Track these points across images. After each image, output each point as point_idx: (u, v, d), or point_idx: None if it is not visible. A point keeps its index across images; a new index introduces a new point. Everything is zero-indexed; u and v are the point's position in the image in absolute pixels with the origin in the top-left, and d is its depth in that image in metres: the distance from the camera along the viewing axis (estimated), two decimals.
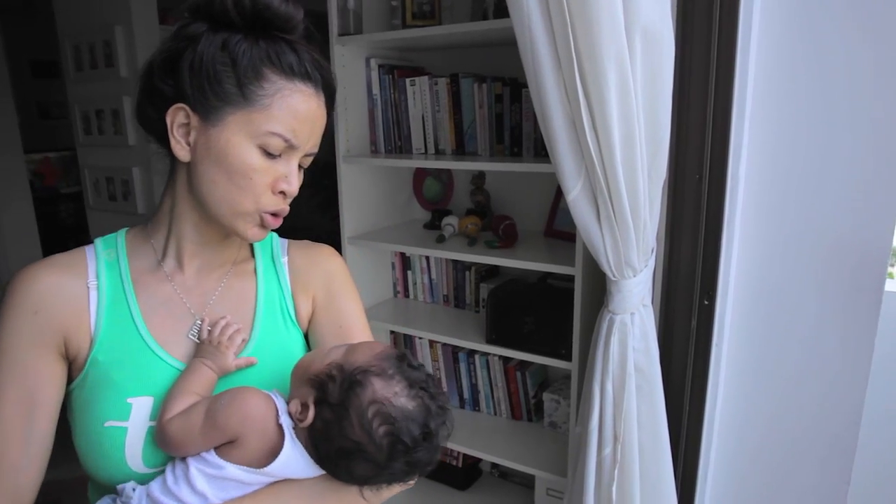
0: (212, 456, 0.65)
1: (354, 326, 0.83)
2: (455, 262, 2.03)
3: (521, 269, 1.68)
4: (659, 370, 1.33)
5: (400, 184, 2.14)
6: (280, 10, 0.68)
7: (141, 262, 0.77)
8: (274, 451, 0.65)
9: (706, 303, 1.42)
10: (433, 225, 2.01)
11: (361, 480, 0.67)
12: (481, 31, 1.59)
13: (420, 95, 1.88)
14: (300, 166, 0.74)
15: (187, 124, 0.70)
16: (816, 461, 1.47)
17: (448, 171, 2.11)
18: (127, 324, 0.72)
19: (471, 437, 1.91)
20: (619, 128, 1.05)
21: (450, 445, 2.05)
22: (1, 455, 0.67)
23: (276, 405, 0.67)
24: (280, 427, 0.65)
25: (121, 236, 0.78)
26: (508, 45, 1.12)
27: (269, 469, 0.64)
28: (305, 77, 0.70)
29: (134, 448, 0.69)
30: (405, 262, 2.13)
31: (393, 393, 0.63)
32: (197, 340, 0.75)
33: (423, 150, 1.92)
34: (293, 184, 0.72)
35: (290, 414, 0.66)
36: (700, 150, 1.34)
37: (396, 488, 0.71)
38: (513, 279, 1.92)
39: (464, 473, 2.20)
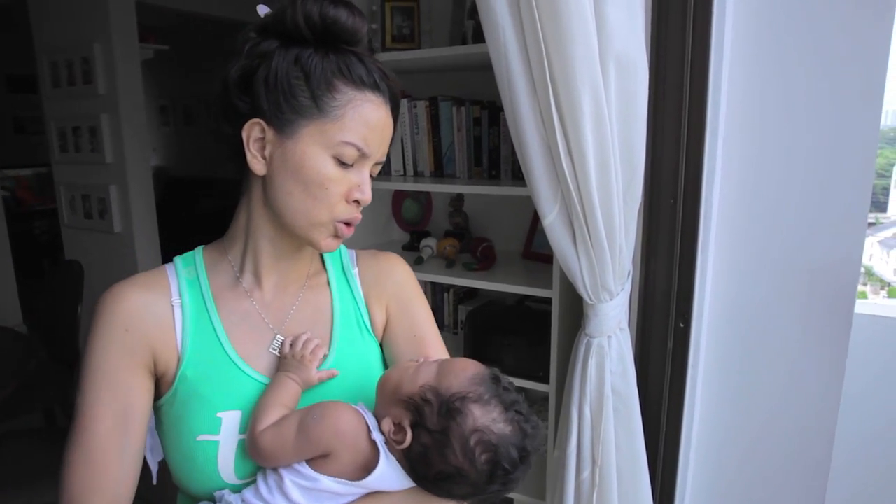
0: (305, 468, 0.67)
1: (428, 335, 0.85)
2: (434, 283, 2.03)
3: (499, 291, 1.68)
4: (636, 393, 1.34)
5: (379, 205, 2.14)
6: (347, 23, 0.70)
7: (220, 279, 0.78)
8: (366, 465, 0.67)
9: (682, 325, 1.43)
10: (412, 246, 2.01)
11: (458, 497, 0.69)
12: (460, 55, 1.60)
13: (399, 117, 1.88)
14: (370, 175, 0.77)
15: (262, 138, 0.71)
16: (792, 480, 1.48)
17: (427, 193, 2.11)
18: (211, 340, 0.74)
19: None
20: (594, 153, 1.07)
21: None
22: (103, 468, 0.69)
23: (366, 421, 0.69)
24: (372, 442, 0.67)
25: (198, 254, 0.80)
26: (487, 70, 1.13)
27: (364, 482, 0.66)
28: (374, 87, 0.72)
29: (226, 461, 0.71)
30: None
31: (491, 419, 0.65)
32: (278, 354, 0.77)
33: (402, 172, 1.92)
34: (366, 192, 0.74)
35: (385, 433, 0.68)
36: (674, 175, 1.36)
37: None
38: (491, 301, 1.92)
39: None
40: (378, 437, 0.67)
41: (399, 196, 2.15)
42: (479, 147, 1.81)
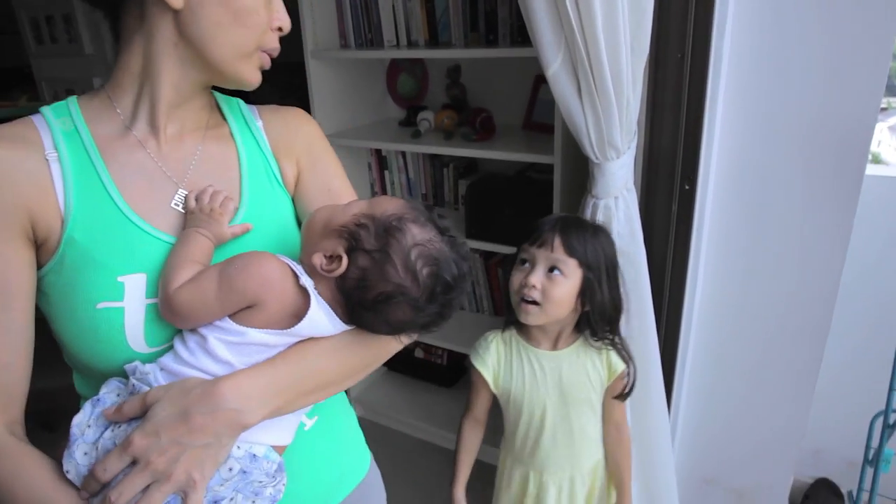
0: (229, 324, 0.63)
1: (342, 188, 0.82)
2: (433, 159, 1.98)
3: (499, 161, 1.64)
4: (644, 254, 1.33)
5: (373, 80, 2.05)
6: None
7: (104, 129, 0.69)
8: (295, 312, 0.64)
9: (687, 188, 1.40)
10: (409, 122, 1.95)
11: (395, 328, 0.67)
12: None
13: None
14: None
15: None
16: (791, 342, 1.51)
17: (422, 65, 2.02)
18: (101, 197, 0.66)
19: (455, 334, 1.94)
20: None
21: (434, 343, 2.09)
22: None
23: (291, 267, 0.66)
24: (301, 288, 0.64)
25: (73, 104, 0.70)
26: None
27: (295, 329, 0.64)
28: None
29: (134, 328, 0.65)
30: (382, 161, 2.07)
31: (429, 238, 0.65)
32: (181, 210, 0.70)
33: (394, 42, 1.82)
34: (286, 17, 0.71)
35: (315, 267, 0.65)
36: (682, 27, 1.28)
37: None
38: (491, 174, 1.88)
39: (449, 371, 2.25)
40: (307, 282, 0.65)
41: (394, 71, 2.06)
42: (476, 10, 1.70)
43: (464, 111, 1.89)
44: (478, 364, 1.21)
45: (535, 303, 1.09)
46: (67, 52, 2.77)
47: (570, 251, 1.08)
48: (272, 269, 0.64)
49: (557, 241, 1.08)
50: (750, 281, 1.54)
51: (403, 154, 2.02)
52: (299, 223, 0.80)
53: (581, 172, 1.30)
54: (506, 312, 1.21)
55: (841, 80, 1.29)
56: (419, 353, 2.27)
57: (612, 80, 1.08)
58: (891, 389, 1.40)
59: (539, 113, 1.77)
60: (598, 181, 1.24)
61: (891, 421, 1.39)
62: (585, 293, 1.10)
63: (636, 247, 1.30)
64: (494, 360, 1.21)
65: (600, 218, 1.26)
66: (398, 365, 2.33)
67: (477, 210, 1.70)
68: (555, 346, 1.19)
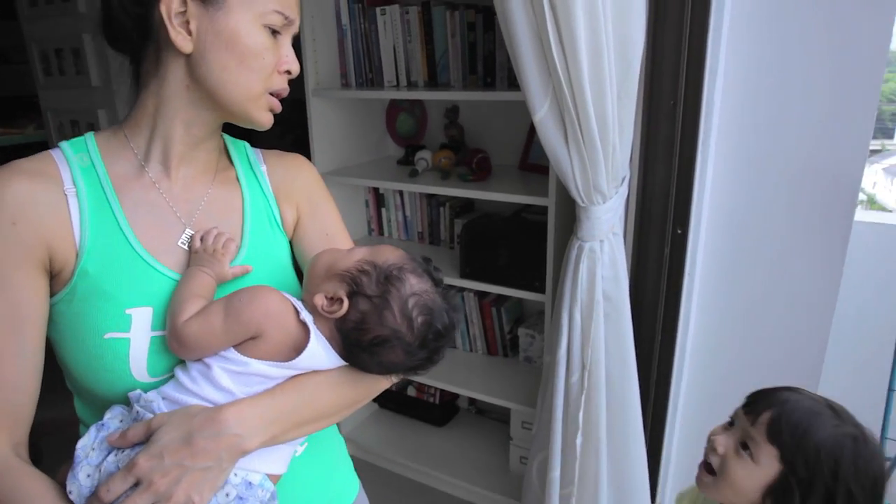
0: (233, 354, 0.67)
1: (339, 234, 0.86)
2: (429, 197, 2.00)
3: (495, 201, 1.65)
4: (627, 298, 1.33)
5: (373, 119, 2.08)
6: None
7: (120, 167, 0.73)
8: (295, 346, 0.68)
9: (679, 232, 1.41)
10: (407, 161, 1.97)
11: (387, 368, 0.71)
12: None
13: (391, 25, 1.81)
14: None
15: (184, 12, 0.67)
16: (785, 382, 1.49)
17: (421, 105, 2.05)
18: (114, 232, 0.70)
19: (447, 373, 1.92)
20: (586, 41, 1.01)
21: (427, 382, 2.07)
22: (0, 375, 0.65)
23: (292, 303, 0.69)
24: (301, 323, 0.68)
25: (90, 140, 0.73)
26: None
27: (294, 362, 0.67)
28: None
29: (138, 359, 0.68)
30: (379, 199, 2.09)
31: (425, 288, 0.69)
32: (186, 249, 0.74)
33: (394, 83, 1.86)
34: (294, 62, 0.74)
35: (316, 307, 0.69)
36: (675, 76, 1.30)
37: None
38: (487, 214, 1.90)
39: (441, 410, 2.23)
40: (307, 317, 0.68)
41: (393, 110, 2.10)
42: (474, 54, 1.74)
43: (461, 151, 1.91)
44: None
45: (711, 471, 0.87)
46: (74, 84, 2.83)
47: (773, 436, 0.81)
48: (275, 303, 0.68)
49: (766, 416, 0.82)
50: (742, 325, 1.54)
51: (401, 192, 2.04)
52: (295, 264, 0.84)
53: (574, 215, 1.31)
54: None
55: (830, 126, 1.31)
56: (411, 392, 2.25)
57: (597, 127, 1.10)
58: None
59: (535, 154, 1.79)
60: (583, 224, 1.25)
61: None
62: (779, 496, 0.81)
63: (620, 291, 1.30)
64: None
65: (585, 261, 1.27)
66: (390, 403, 2.31)
67: (472, 250, 1.71)
68: None
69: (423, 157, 1.85)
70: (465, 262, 1.72)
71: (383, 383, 0.77)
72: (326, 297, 0.69)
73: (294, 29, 0.73)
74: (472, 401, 2.29)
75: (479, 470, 1.99)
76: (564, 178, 1.19)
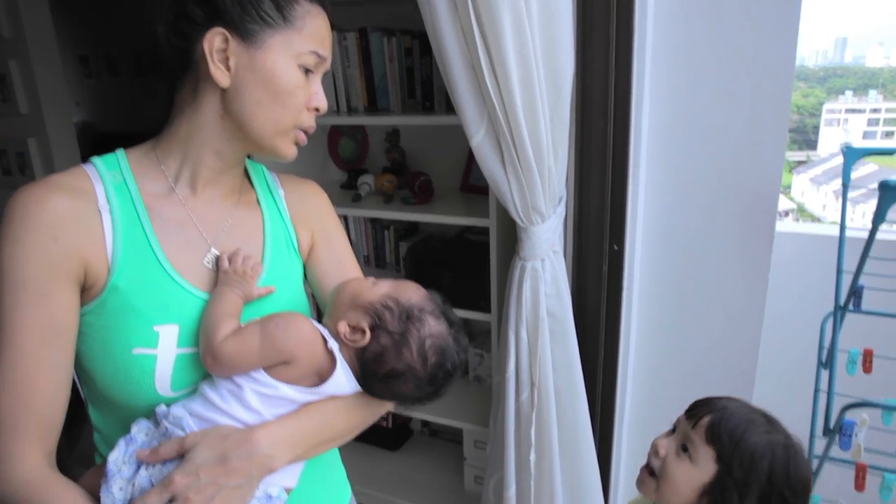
0: (264, 377, 0.70)
1: (350, 261, 0.91)
2: (374, 221, 2.01)
3: (438, 224, 1.67)
4: (571, 314, 1.37)
5: (314, 144, 2.08)
6: None
7: (151, 187, 0.76)
8: (320, 372, 0.72)
9: (615, 248, 1.46)
10: (350, 185, 1.97)
11: (396, 397, 0.77)
12: None
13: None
14: None
15: (225, 49, 0.71)
16: (720, 386, 1.54)
17: (363, 129, 2.06)
18: (144, 250, 0.73)
19: None
20: (517, 70, 1.05)
21: None
22: (35, 386, 0.67)
23: (320, 330, 0.73)
24: (328, 351, 0.73)
25: (122, 158, 0.76)
26: None
27: (320, 388, 0.72)
28: (321, 1, 0.76)
29: (163, 374, 0.71)
30: None
31: (441, 331, 0.75)
32: (210, 268, 0.77)
33: (335, 108, 1.87)
34: (323, 99, 0.77)
35: (340, 334, 0.73)
36: (604, 100, 1.36)
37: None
38: (431, 236, 1.92)
39: (395, 434, 2.22)
40: (334, 345, 0.72)
41: (335, 134, 2.10)
42: (412, 78, 1.76)
43: (403, 174, 1.93)
44: None
45: (652, 473, 0.90)
46: (2, 113, 2.72)
47: (711, 437, 0.84)
48: (308, 332, 0.72)
49: (705, 420, 0.86)
50: (679, 335, 1.60)
51: (345, 217, 2.04)
52: (310, 286, 0.91)
53: (516, 235, 1.34)
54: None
55: (748, 141, 1.40)
56: None
57: (532, 150, 1.14)
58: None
59: (475, 176, 1.83)
60: (524, 244, 1.28)
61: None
62: (716, 496, 0.84)
63: (563, 309, 1.34)
64: None
65: (528, 280, 1.30)
66: None
67: (417, 272, 1.72)
68: None
69: (366, 182, 1.86)
70: None
71: (387, 406, 0.82)
72: (349, 326, 0.74)
73: (326, 67, 0.77)
74: (424, 423, 2.29)
75: (436, 492, 1.99)
76: (504, 199, 1.23)
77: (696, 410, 0.89)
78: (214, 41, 0.70)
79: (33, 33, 2.57)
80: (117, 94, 4.83)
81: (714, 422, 0.85)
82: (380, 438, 2.23)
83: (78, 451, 1.76)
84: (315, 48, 0.74)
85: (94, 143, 4.69)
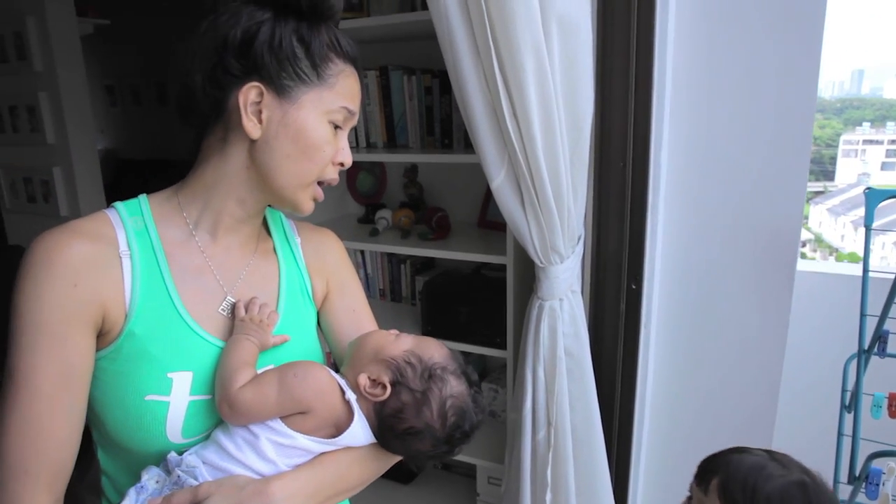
0: (281, 426, 0.70)
1: (364, 309, 0.92)
2: (390, 255, 2.02)
3: (454, 260, 1.68)
4: (589, 354, 1.36)
5: None
6: (333, 0, 0.75)
7: (172, 233, 0.77)
8: (336, 423, 0.72)
9: (633, 287, 1.45)
10: (367, 219, 1.99)
11: (411, 453, 0.76)
12: (409, 22, 1.58)
13: None
14: None
15: (258, 102, 0.72)
16: (741, 432, 1.53)
17: (381, 165, 2.09)
18: (162, 297, 0.73)
19: None
20: (538, 115, 1.06)
21: None
22: (49, 430, 0.67)
23: (337, 381, 0.73)
24: (345, 402, 0.72)
25: (144, 204, 0.77)
26: (436, 37, 1.12)
27: (337, 440, 0.71)
28: (354, 60, 0.78)
29: (175, 421, 0.71)
30: None
31: (461, 391, 0.75)
32: (226, 316, 0.78)
33: (354, 144, 1.90)
34: (349, 154, 0.79)
35: (360, 387, 0.73)
36: (623, 139, 1.37)
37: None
38: (447, 271, 1.92)
39: (406, 466, 2.19)
40: (351, 397, 0.72)
41: (353, 169, 2.13)
42: (432, 116, 1.79)
43: (420, 209, 1.94)
44: None
45: None
46: (29, 142, 2.79)
47: (726, 499, 0.82)
48: (326, 382, 0.72)
49: (714, 483, 0.83)
50: (697, 374, 1.58)
51: (362, 251, 2.05)
52: (324, 334, 0.91)
53: (533, 269, 1.34)
54: None
55: (769, 179, 1.40)
56: None
57: (552, 192, 1.15)
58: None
59: (492, 212, 1.84)
60: (543, 283, 1.28)
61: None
62: None
63: (581, 348, 1.33)
64: None
65: (546, 319, 1.30)
66: None
67: (433, 307, 1.72)
68: None
69: (384, 217, 1.88)
70: (427, 319, 1.73)
71: (398, 458, 0.81)
72: (370, 379, 0.73)
73: (353, 122, 0.79)
74: None
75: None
76: (522, 240, 1.23)
77: (704, 473, 0.87)
78: (250, 94, 0.71)
79: (64, 67, 2.64)
80: (140, 122, 4.95)
81: (723, 482, 0.83)
82: (391, 471, 2.16)
83: (89, 479, 1.76)
84: (346, 104, 0.75)
85: (117, 168, 4.79)
